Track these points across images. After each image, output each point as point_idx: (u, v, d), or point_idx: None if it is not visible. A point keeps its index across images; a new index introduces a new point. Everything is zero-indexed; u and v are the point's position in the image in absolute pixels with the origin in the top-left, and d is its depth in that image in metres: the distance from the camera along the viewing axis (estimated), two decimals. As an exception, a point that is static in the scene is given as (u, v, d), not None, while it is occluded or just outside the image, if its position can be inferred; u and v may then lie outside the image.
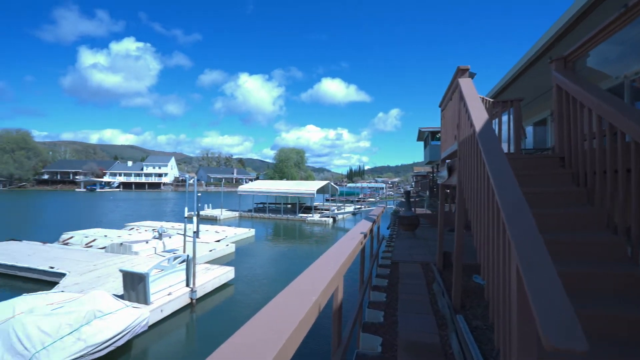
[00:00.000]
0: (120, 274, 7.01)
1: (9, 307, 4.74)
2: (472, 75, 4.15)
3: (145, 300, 6.14)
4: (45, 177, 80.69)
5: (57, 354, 4.03)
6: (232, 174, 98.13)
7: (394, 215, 16.47)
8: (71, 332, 4.31)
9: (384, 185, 62.04)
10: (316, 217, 22.27)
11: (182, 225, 17.44)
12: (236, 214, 24.33)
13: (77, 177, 79.89)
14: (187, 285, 7.28)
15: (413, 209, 13.04)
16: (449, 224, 8.47)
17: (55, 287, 7.36)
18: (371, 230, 4.41)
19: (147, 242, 10.93)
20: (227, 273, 8.58)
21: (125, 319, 4.88)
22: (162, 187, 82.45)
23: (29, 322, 4.24)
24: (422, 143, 28.41)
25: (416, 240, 9.30)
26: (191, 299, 7.13)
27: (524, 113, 8.55)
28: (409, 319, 3.94)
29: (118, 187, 79.92)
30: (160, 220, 20.26)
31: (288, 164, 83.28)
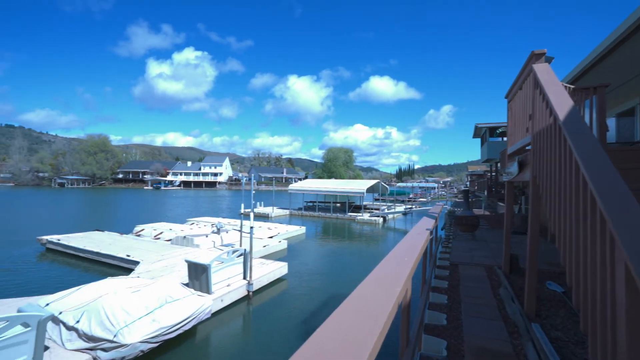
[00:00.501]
0: (186, 264, 7.58)
1: (98, 288, 5.36)
2: (549, 60, 3.76)
3: (207, 290, 6.55)
4: (120, 176, 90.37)
5: (137, 332, 4.45)
6: (282, 173, 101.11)
7: (449, 216, 15.64)
8: (147, 314, 4.74)
9: (435, 185, 59.40)
10: (366, 216, 22.02)
11: (237, 221, 18.37)
12: (287, 212, 24.99)
13: (145, 176, 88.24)
14: (244, 278, 7.62)
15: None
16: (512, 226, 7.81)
17: (132, 273, 8.18)
18: (434, 228, 4.21)
19: (206, 236, 11.68)
20: (280, 268, 8.83)
21: (192, 305, 5.25)
22: (218, 185, 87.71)
23: (114, 302, 4.75)
24: (478, 140, 26.68)
25: (476, 242, 8.73)
26: (248, 291, 7.46)
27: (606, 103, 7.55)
28: (474, 323, 3.69)
29: (179, 185, 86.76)
30: (217, 217, 21.55)
31: (336, 163, 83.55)
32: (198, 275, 6.68)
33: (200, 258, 7.06)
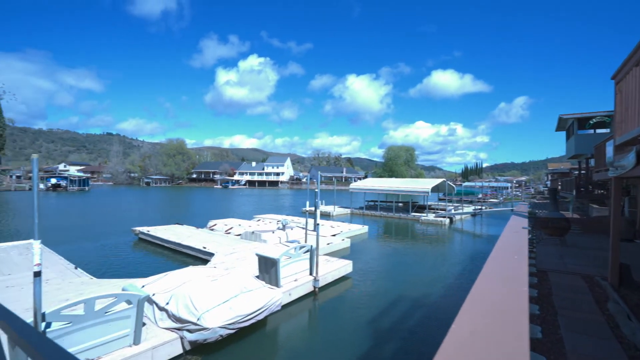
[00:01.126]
0: (256, 258, 7.95)
1: (182, 275, 5.89)
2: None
3: (276, 283, 6.77)
4: (194, 176, 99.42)
5: (217, 317, 4.77)
6: (341, 172, 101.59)
7: (530, 218, 14.07)
8: (225, 302, 5.05)
9: (508, 184, 54.17)
10: (431, 216, 20.96)
11: (299, 219, 18.87)
12: (347, 210, 24.96)
13: (215, 176, 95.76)
14: (311, 273, 7.73)
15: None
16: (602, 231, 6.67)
17: (208, 263, 8.87)
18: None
19: (273, 232, 12.17)
20: (345, 266, 8.79)
21: (264, 297, 5.46)
22: (280, 185, 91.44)
23: (197, 289, 5.16)
24: (561, 134, 23.61)
25: (567, 248, 7.67)
26: (314, 287, 7.55)
27: None
28: (579, 340, 3.18)
29: (245, 184, 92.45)
30: (280, 214, 22.40)
31: (397, 162, 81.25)
32: (268, 269, 6.95)
33: (269, 252, 7.34)
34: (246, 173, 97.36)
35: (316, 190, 8.87)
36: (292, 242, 11.67)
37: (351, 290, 8.19)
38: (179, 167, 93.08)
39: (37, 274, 3.26)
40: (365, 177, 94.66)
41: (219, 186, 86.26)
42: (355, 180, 57.80)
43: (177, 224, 15.61)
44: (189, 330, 4.73)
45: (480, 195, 37.52)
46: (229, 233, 13.81)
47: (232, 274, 5.96)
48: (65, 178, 57.25)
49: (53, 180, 54.45)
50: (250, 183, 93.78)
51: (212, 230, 14.59)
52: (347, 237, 13.45)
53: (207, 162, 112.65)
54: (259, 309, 5.21)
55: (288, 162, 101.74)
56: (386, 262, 11.11)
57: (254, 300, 5.28)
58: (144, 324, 4.64)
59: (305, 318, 6.83)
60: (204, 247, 10.40)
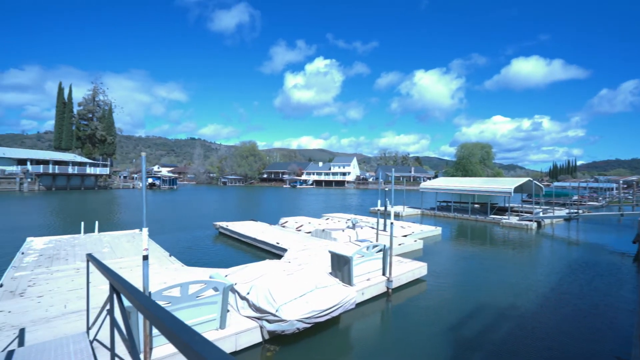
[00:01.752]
0: (329, 255, 8.01)
1: (260, 268, 6.19)
2: None
3: (349, 281, 6.70)
4: (265, 176, 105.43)
5: (294, 310, 4.88)
6: (409, 172, 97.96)
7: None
8: (301, 296, 5.15)
9: (613, 184, 46.10)
10: (513, 219, 18.86)
11: (368, 218, 18.62)
12: (418, 211, 23.88)
13: (284, 176, 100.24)
14: (384, 274, 7.50)
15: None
16: None
17: (282, 258, 9.22)
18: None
19: (343, 231, 12.18)
20: (420, 268, 8.34)
21: (339, 294, 5.43)
22: (346, 184, 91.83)
23: (274, 281, 5.36)
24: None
25: None
26: (387, 288, 7.30)
27: None
28: None
29: (312, 184, 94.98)
30: (347, 213, 22.40)
31: (472, 160, 75.33)
32: (340, 266, 6.92)
33: (342, 250, 7.31)
34: (313, 173, 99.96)
35: (385, 189, 8.59)
36: (362, 241, 11.52)
37: (426, 294, 7.74)
38: (251, 167, 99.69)
39: (145, 258, 3.68)
40: (436, 176, 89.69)
41: (287, 186, 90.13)
42: (424, 180, 55.15)
43: (252, 220, 16.64)
44: (268, 321, 4.92)
45: (575, 197, 32.63)
46: (300, 230, 14.22)
47: (306, 270, 6.06)
48: (159, 178, 65.81)
49: (149, 180, 62.92)
50: (317, 183, 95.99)
51: (283, 227, 15.20)
52: (420, 238, 12.81)
53: (276, 163, 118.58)
54: (334, 306, 5.19)
55: (354, 162, 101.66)
56: (464, 267, 10.28)
57: (329, 296, 5.29)
58: (227, 311, 4.96)
59: (378, 319, 6.63)
60: (277, 243, 10.85)
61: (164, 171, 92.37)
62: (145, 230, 3.72)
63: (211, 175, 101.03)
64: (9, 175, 46.89)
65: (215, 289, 4.61)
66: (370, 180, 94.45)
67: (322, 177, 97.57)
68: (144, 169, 3.66)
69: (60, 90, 62.33)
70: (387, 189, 11.37)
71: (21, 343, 4.20)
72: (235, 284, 5.70)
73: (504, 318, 6.36)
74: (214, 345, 0.74)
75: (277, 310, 4.84)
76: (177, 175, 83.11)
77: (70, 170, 52.82)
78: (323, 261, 8.69)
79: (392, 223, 7.65)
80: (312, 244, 10.96)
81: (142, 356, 3.81)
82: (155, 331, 4.02)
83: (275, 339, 5.11)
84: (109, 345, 4.24)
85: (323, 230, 12.37)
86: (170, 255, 8.89)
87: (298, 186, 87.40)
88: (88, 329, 4.20)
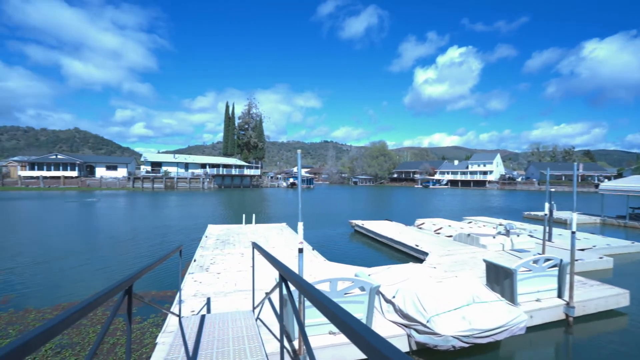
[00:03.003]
0: (479, 263, 6.95)
1: (404, 271, 5.81)
2: None
3: (511, 299, 5.56)
4: (395, 175, 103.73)
5: (447, 324, 4.29)
6: (577, 169, 78.49)
7: None
8: (456, 309, 4.50)
9: None
10: None
11: (522, 224, 15.64)
12: (595, 219, 18.61)
13: (415, 175, 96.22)
14: (560, 296, 5.94)
15: None
16: None
17: (424, 262, 8.56)
18: None
19: (494, 237, 10.48)
20: (617, 296, 6.25)
21: (504, 313, 4.51)
22: (487, 184, 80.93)
23: (423, 288, 4.89)
24: None
25: None
26: (567, 315, 5.73)
27: None
28: None
29: (446, 184, 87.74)
30: (493, 217, 19.41)
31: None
32: (499, 280, 5.83)
33: (500, 260, 6.17)
34: (447, 172, 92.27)
35: (551, 190, 6.79)
36: (519, 251, 9.63)
37: (628, 332, 5.70)
38: (381, 167, 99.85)
39: (300, 251, 3.84)
40: (620, 175, 68.76)
41: (419, 185, 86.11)
42: (600, 180, 42.94)
43: (387, 220, 16.35)
44: (417, 330, 4.50)
45: None
46: (439, 233, 13.07)
47: (459, 279, 5.32)
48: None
49: (291, 180, 71.18)
50: (453, 183, 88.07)
51: (420, 228, 14.32)
52: (607, 255, 9.79)
53: (406, 162, 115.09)
54: (500, 327, 4.32)
55: (498, 158, 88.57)
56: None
57: (492, 314, 4.44)
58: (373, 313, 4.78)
59: (552, 352, 5.24)
60: (417, 245, 10.20)
61: (303, 172, 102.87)
62: (300, 224, 3.89)
63: (343, 175, 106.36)
64: (196, 176, 61.25)
65: (362, 289, 4.50)
66: (519, 179, 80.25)
67: (458, 177, 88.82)
68: (300, 164, 3.82)
69: (227, 108, 77.63)
70: (552, 190, 9.01)
71: (208, 310, 5.09)
72: (379, 285, 5.50)
73: None
74: (381, 336, 0.80)
75: (428, 321, 4.36)
76: (312, 175, 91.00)
77: (233, 172, 65.12)
78: (472, 270, 7.60)
79: (573, 233, 5.98)
80: (456, 250, 9.83)
81: (296, 343, 4.01)
82: (308, 322, 4.19)
83: (424, 352, 4.63)
84: (269, 325, 4.71)
85: (468, 234, 10.95)
86: (313, 249, 9.50)
87: (431, 186, 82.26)
88: (253, 307, 4.75)
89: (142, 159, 65.65)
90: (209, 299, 5.51)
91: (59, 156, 59.03)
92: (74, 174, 57.06)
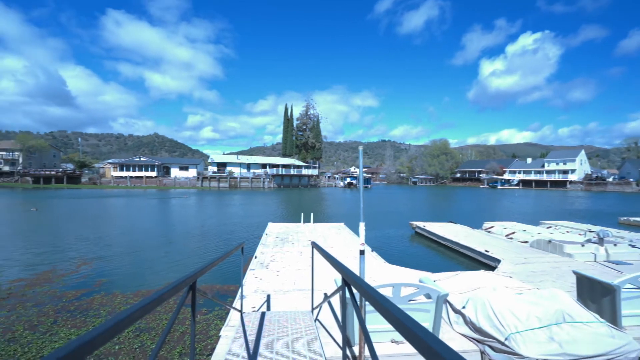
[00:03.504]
0: (567, 275, 6.02)
1: (474, 278, 5.26)
2: None
3: (613, 322, 4.67)
4: (457, 175, 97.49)
5: (530, 345, 3.73)
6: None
7: None
8: (541, 327, 3.89)
9: None
10: None
11: (618, 231, 13.39)
12: None
13: (480, 175, 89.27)
14: (679, 320, 4.84)
15: None
16: None
17: (496, 270, 7.73)
18: None
19: (582, 245, 9.09)
20: None
21: (606, 338, 3.77)
22: (568, 185, 71.67)
23: (499, 300, 4.34)
24: None
25: None
26: (690, 345, 4.64)
27: None
28: None
29: (517, 184, 79.79)
30: (577, 222, 16.96)
31: None
32: (595, 297, 4.95)
33: (594, 273, 5.26)
34: (519, 171, 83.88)
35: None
36: (618, 263, 8.19)
37: None
38: (442, 166, 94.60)
39: (362, 253, 3.64)
40: None
41: (485, 186, 79.67)
42: None
43: (451, 222, 15.29)
44: (493, 348, 3.99)
45: None
46: (511, 238, 11.79)
47: (541, 292, 4.63)
48: (355, 177, 73.14)
49: (348, 180, 71.02)
50: (525, 183, 79.79)
51: (489, 232, 13.10)
52: None
53: (471, 161, 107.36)
54: (601, 355, 3.62)
55: (582, 155, 77.93)
56: None
57: (589, 338, 3.75)
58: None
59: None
60: (486, 251, 9.29)
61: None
62: (362, 225, 3.70)
63: (401, 175, 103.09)
64: (257, 176, 64.42)
65: (428, 296, 4.14)
66: (610, 179, 69.59)
67: (532, 177, 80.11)
68: (361, 160, 3.62)
69: (286, 110, 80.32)
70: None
71: (268, 307, 5.16)
72: (446, 293, 5.04)
73: None
74: (454, 350, 0.76)
75: (506, 339, 3.84)
76: (370, 175, 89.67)
77: (292, 171, 67.14)
78: (556, 282, 6.64)
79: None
80: (534, 258, 8.72)
81: (356, 349, 3.82)
82: (370, 327, 3.97)
83: (501, 373, 4.10)
84: (328, 327, 4.59)
85: (549, 241, 9.66)
86: (372, 251, 9.20)
87: (499, 186, 75.46)
88: (312, 308, 4.67)
89: (209, 160, 71.27)
90: (268, 296, 5.60)
91: (141, 159, 66.81)
92: (153, 174, 64.04)
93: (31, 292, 6.75)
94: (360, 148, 3.69)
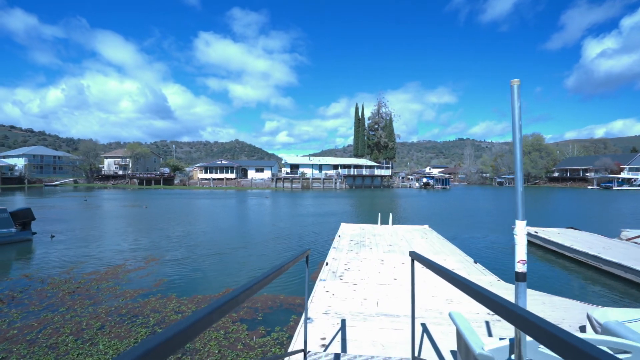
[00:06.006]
0: None
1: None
2: None
3: None
4: (555, 174, 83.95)
5: None
6: None
7: None
8: None
9: None
10: None
11: None
12: None
13: (586, 173, 75.30)
14: None
15: None
16: None
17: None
18: None
19: None
20: None
21: None
22: None
23: None
24: None
25: None
26: None
27: None
28: None
29: (641, 185, 64.91)
30: None
31: None
32: None
33: None
34: (643, 169, 68.34)
35: None
36: None
37: None
38: (535, 165, 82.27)
39: (522, 277, 1.94)
40: None
41: (594, 187, 66.66)
42: None
43: (571, 227, 11.96)
44: None
45: None
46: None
47: None
48: (433, 178, 67.95)
49: (424, 180, 66.29)
50: (652, 183, 64.46)
51: (635, 243, 9.68)
52: None
53: (573, 158, 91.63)
54: None
55: None
56: None
57: None
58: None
59: None
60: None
61: (435, 172, 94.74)
62: (521, 224, 1.99)
63: (484, 175, 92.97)
64: (329, 177, 64.16)
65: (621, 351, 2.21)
66: None
67: (664, 175, 64.35)
68: (516, 101, 1.93)
69: (357, 109, 78.76)
70: None
71: (343, 342, 3.69)
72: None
73: None
74: None
75: None
76: (447, 175, 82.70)
77: (364, 172, 65.24)
78: None
79: None
80: None
81: None
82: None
83: None
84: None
85: None
86: (475, 262, 7.11)
87: (615, 187, 62.23)
88: (413, 354, 3.04)
89: (282, 162, 73.60)
90: (343, 322, 4.14)
91: (222, 162, 72.19)
92: (233, 175, 68.58)
93: (95, 288, 6.48)
94: (516, 83, 2.00)
